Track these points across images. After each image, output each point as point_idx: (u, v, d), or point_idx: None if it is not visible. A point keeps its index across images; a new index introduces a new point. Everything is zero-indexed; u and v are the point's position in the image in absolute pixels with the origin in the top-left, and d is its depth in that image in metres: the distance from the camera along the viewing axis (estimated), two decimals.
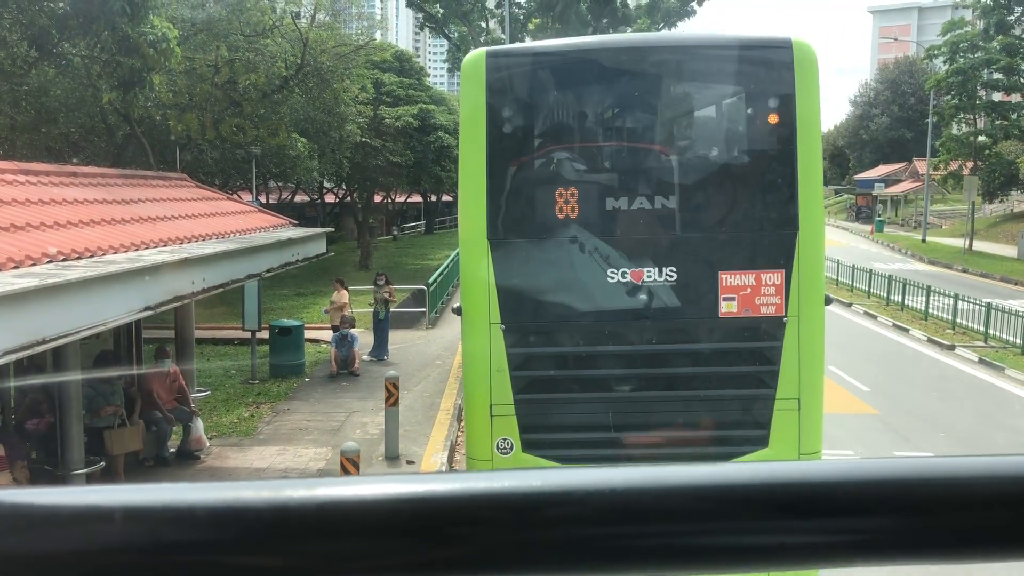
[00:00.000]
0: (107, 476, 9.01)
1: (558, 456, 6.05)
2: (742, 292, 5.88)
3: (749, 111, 6.36)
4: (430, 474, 0.51)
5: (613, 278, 5.88)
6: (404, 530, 0.48)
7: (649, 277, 5.87)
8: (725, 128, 6.74)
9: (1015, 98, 41.29)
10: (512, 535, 0.48)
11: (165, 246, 8.13)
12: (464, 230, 6.10)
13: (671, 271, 5.86)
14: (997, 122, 40.57)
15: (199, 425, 10.56)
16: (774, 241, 5.91)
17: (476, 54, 6.09)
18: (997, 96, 42.17)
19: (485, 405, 6.00)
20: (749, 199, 6.14)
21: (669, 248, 5.97)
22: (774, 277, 5.85)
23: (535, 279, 6.07)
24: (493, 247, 5.94)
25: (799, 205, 5.88)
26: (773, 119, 6.03)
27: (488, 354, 5.96)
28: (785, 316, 5.87)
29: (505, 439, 6.03)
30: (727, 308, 5.89)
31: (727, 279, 5.86)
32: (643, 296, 5.90)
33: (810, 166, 5.94)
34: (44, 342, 5.45)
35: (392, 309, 16.70)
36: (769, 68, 6.12)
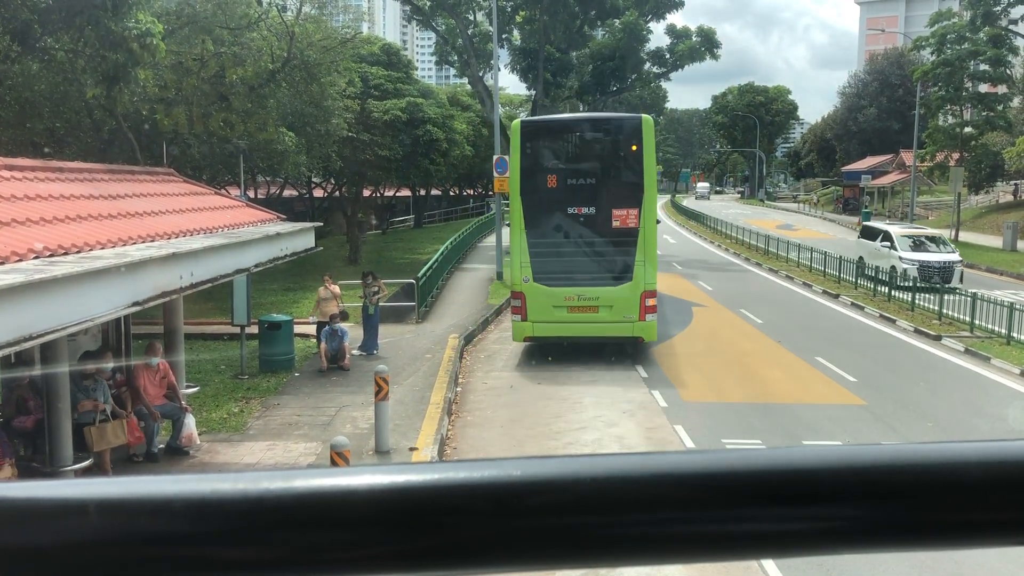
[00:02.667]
0: (95, 473, 8.96)
1: (547, 282, 14.97)
2: (621, 217, 14.96)
3: (624, 147, 15.29)
4: (409, 464, 0.50)
5: (570, 211, 15.10)
6: (383, 520, 0.47)
7: (584, 211, 15.07)
8: (616, 156, 15.55)
9: (1001, 89, 41.52)
10: (493, 524, 0.48)
11: (153, 241, 8.09)
12: (511, 190, 15.30)
13: (593, 208, 15.06)
14: (983, 113, 40.79)
15: (191, 422, 10.46)
16: (633, 199, 14.92)
17: (518, 121, 16.18)
18: (983, 87, 42.38)
19: (519, 261, 15.07)
20: (623, 183, 15.15)
21: (592, 200, 15.07)
22: (634, 211, 14.94)
23: (538, 208, 15.15)
24: (523, 196, 15.11)
25: (644, 185, 14.90)
26: (633, 152, 15.01)
27: (520, 239, 15.10)
28: (638, 227, 14.91)
29: (525, 277, 15.01)
30: (615, 224, 14.98)
31: (615, 212, 14.98)
32: (583, 218, 15.09)
33: (650, 172, 14.99)
34: (31, 338, 5.42)
35: (381, 304, 16.68)
36: (631, 128, 15.17)
